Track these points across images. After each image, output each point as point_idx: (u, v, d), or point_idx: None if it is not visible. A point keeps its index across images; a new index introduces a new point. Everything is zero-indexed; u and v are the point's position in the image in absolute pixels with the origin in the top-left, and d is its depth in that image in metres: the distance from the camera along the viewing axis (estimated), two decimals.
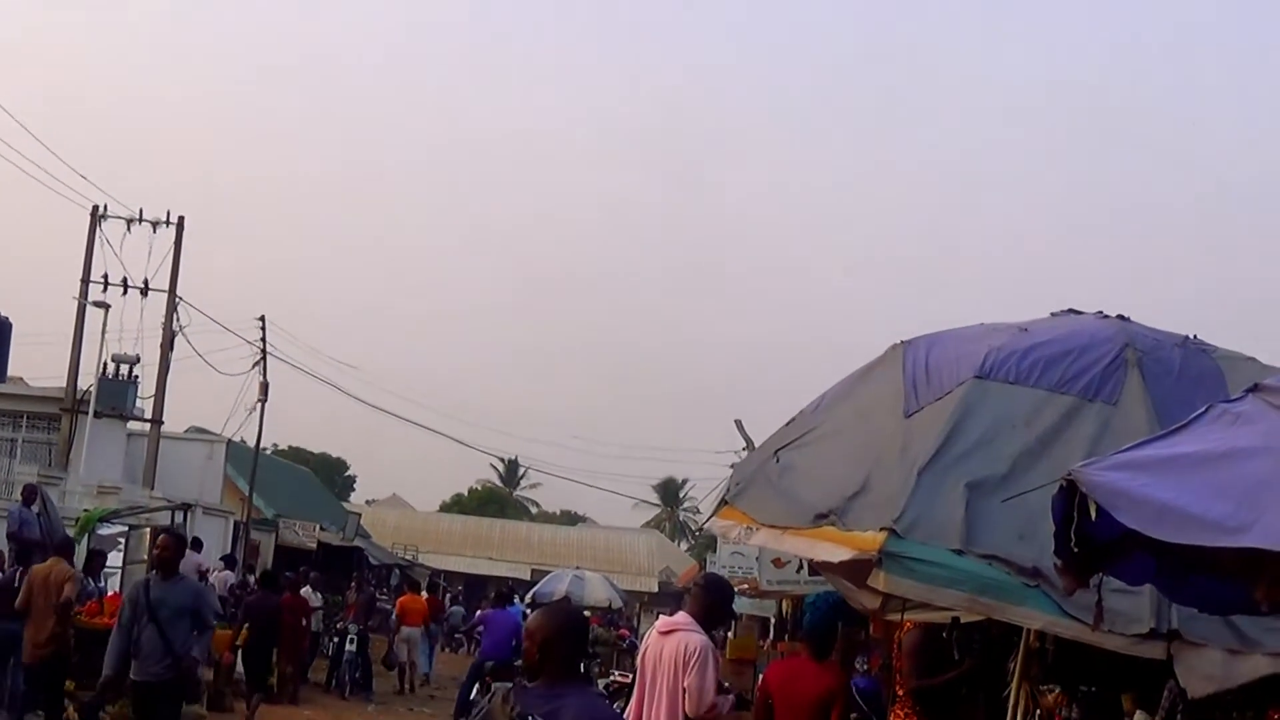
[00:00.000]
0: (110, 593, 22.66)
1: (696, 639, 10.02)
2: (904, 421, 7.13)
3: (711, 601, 10.42)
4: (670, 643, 10.08)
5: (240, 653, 22.92)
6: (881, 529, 6.19)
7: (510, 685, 5.69)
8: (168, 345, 37.56)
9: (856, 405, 7.91)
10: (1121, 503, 4.24)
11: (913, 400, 7.24)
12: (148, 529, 28.87)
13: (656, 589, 70.31)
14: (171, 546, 13.06)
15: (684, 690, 9.86)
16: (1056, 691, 9.63)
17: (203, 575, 27.05)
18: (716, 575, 14.64)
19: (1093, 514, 4.35)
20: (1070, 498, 4.45)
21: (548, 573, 48.44)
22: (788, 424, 8.22)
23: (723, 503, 8.02)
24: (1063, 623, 6.00)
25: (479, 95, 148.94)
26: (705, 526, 8.73)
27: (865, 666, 13.61)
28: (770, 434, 8.49)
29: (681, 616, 10.32)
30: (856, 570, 6.86)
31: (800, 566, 15.10)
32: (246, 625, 22.81)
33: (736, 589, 20.26)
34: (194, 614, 12.75)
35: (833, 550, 6.57)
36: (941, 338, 7.89)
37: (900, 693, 11.28)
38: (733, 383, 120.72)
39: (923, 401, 7.18)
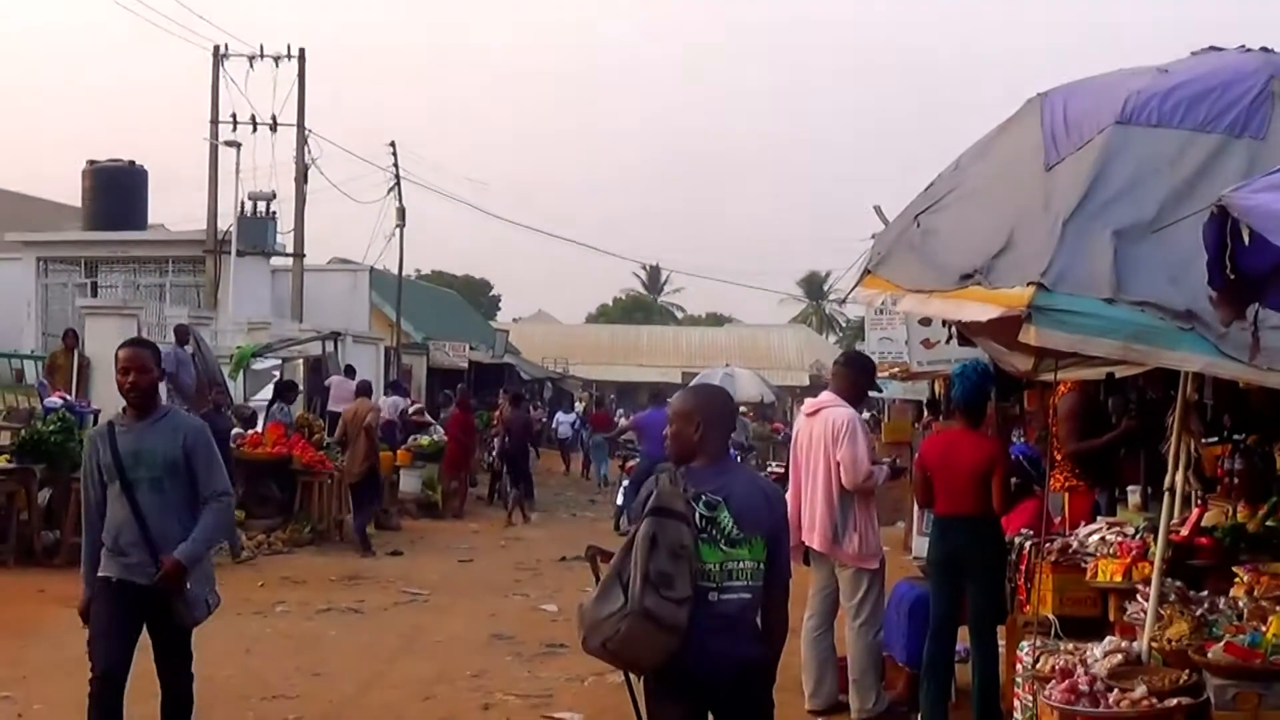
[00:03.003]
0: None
1: (843, 413, 10.05)
2: (1044, 174, 6.94)
3: (855, 376, 10.43)
4: (818, 422, 10.12)
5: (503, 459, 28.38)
6: (1029, 284, 6.05)
7: (675, 468, 5.64)
8: (302, 179, 37.94)
9: (995, 162, 7.72)
10: (1274, 224, 4.10)
11: (1053, 152, 7.03)
12: (300, 360, 29.54)
13: (807, 382, 70.38)
14: (140, 363, 7.53)
15: (837, 464, 9.91)
16: (1216, 443, 9.54)
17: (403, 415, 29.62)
18: (856, 352, 14.58)
19: (1245, 239, 4.21)
20: (1222, 225, 4.31)
21: (697, 374, 48.71)
22: (926, 189, 8.06)
23: (865, 273, 7.90)
24: (1220, 363, 5.85)
25: None
26: (850, 297, 8.58)
27: (1021, 439, 13.52)
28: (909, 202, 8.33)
29: (826, 395, 10.34)
30: (1006, 329, 6.76)
31: (949, 340, 14.94)
32: (506, 437, 28.23)
33: (888, 374, 20.28)
34: (189, 470, 7.54)
35: (980, 309, 6.46)
36: (1079, 87, 7.64)
37: (1059, 457, 11.21)
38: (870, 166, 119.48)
39: (1063, 152, 6.96)
